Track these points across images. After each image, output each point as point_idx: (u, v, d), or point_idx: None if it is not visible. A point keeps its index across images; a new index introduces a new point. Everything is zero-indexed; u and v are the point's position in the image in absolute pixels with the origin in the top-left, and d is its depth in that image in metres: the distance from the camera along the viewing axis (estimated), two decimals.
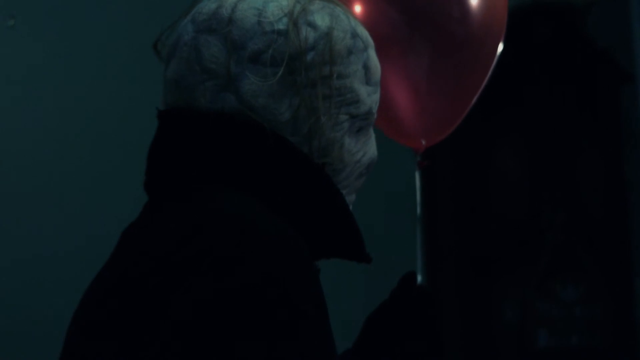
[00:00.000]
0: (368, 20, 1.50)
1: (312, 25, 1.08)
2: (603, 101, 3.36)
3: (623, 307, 3.27)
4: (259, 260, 0.91)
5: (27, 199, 2.70)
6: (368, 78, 1.12)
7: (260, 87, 1.05)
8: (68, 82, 2.76)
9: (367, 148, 1.14)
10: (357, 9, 1.50)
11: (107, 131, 2.79)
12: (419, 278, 1.37)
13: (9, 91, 2.69)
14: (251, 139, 1.04)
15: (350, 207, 1.14)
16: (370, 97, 1.13)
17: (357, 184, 1.15)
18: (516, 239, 3.28)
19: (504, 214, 3.31)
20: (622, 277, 3.29)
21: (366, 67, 1.12)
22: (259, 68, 1.05)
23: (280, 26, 1.06)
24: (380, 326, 1.27)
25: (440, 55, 1.47)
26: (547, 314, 3.25)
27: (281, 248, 0.94)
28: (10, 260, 2.65)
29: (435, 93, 1.48)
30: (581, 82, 3.33)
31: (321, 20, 1.09)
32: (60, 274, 2.61)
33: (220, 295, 0.89)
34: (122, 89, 2.80)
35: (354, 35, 1.11)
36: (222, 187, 1.02)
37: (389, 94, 1.48)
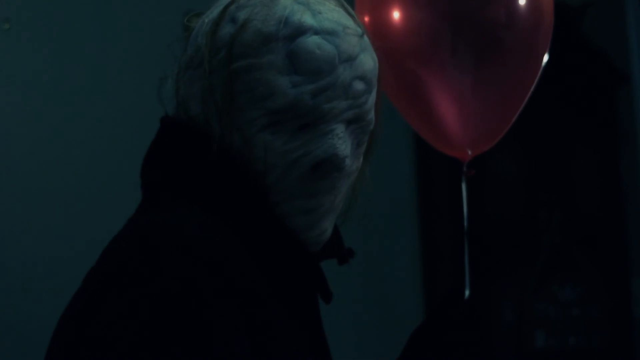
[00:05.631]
0: (407, 27, 1.47)
1: (234, 20, 1.05)
2: (599, 102, 3.37)
3: (620, 307, 3.29)
4: (179, 269, 0.92)
5: (25, 203, 2.65)
6: (297, 67, 1.02)
7: (187, 91, 1.07)
8: (64, 85, 2.73)
9: (312, 146, 1.03)
10: (396, 15, 1.47)
11: (104, 135, 2.76)
12: (467, 293, 1.35)
13: (4, 94, 2.66)
14: (182, 144, 1.05)
15: (328, 215, 1.07)
16: (297, 89, 1.02)
17: (307, 187, 1.04)
18: (513, 240, 3.29)
19: (500, 215, 3.31)
20: (619, 277, 3.31)
21: (292, 55, 1.02)
22: (187, 73, 1.07)
23: (207, 28, 1.06)
24: (424, 341, 1.25)
25: (485, 63, 1.45)
26: (544, 314, 3.26)
27: (208, 257, 0.94)
28: (7, 263, 2.62)
29: (480, 102, 1.46)
30: (577, 83, 3.33)
31: (245, 13, 1.05)
32: (56, 277, 2.58)
33: (136, 304, 0.91)
34: (119, 93, 2.77)
35: (284, 23, 1.03)
36: (168, 195, 1.05)
37: (432, 103, 1.46)
